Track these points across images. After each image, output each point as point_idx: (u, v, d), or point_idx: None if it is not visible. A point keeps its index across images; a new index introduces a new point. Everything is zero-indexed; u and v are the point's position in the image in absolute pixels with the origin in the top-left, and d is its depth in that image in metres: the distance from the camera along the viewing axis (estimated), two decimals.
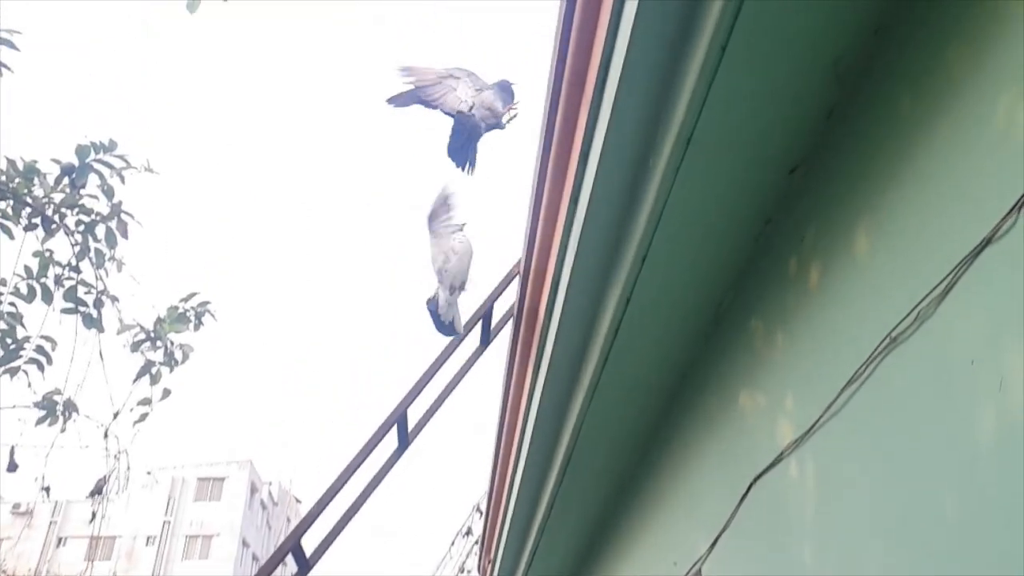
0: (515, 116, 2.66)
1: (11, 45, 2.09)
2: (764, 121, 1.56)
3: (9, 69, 2.09)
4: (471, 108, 2.53)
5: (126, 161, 2.41)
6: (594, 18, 1.58)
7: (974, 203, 1.10)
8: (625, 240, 1.87)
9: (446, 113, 2.57)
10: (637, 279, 1.90)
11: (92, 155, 2.39)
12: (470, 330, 2.99)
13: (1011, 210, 1.00)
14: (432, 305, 2.94)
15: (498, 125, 2.62)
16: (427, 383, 2.93)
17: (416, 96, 2.53)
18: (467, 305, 2.97)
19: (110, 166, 2.41)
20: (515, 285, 2.83)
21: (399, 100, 2.54)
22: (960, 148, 1.14)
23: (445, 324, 2.95)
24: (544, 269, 2.20)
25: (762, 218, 1.76)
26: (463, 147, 2.63)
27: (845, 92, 1.44)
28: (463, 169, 2.70)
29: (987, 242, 1.04)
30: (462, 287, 2.92)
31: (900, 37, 1.30)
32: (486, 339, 3.02)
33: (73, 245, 2.66)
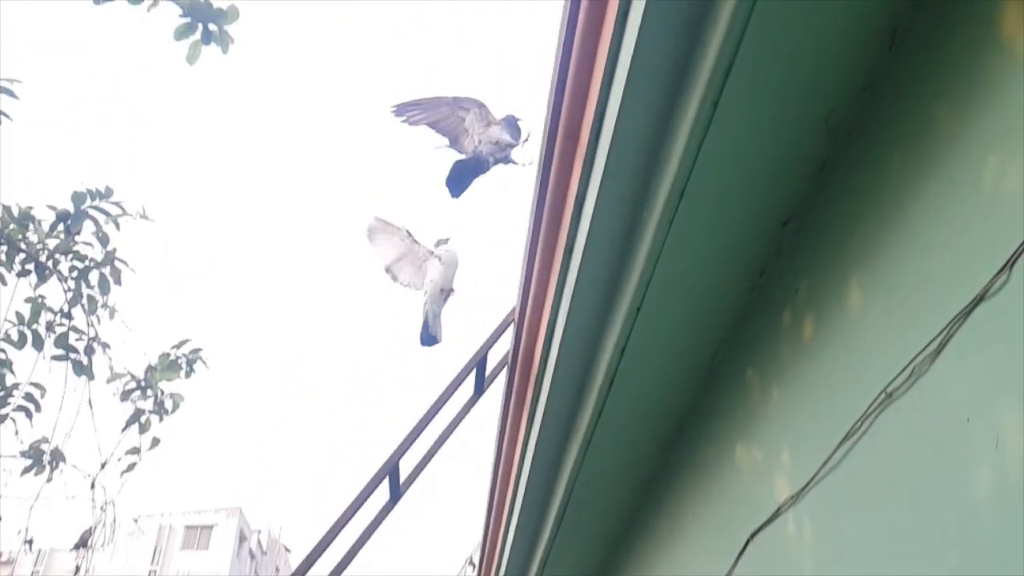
0: (532, 163, 2.67)
1: (11, 94, 2.11)
2: (756, 173, 1.57)
3: (8, 117, 2.11)
4: (478, 143, 2.54)
5: (122, 208, 2.42)
6: (589, 71, 1.60)
7: (966, 260, 1.10)
8: (620, 290, 1.87)
9: (451, 146, 2.56)
10: (632, 329, 1.90)
11: (88, 202, 2.40)
12: (464, 377, 2.97)
13: (1003, 268, 1.01)
14: (425, 327, 2.95)
15: (507, 159, 2.62)
16: (419, 433, 2.90)
17: (425, 120, 2.53)
18: (460, 354, 2.96)
19: (106, 213, 2.42)
20: (509, 333, 2.83)
21: (408, 116, 2.52)
22: (951, 205, 1.15)
23: (429, 336, 2.95)
24: (539, 318, 2.20)
25: (756, 269, 1.76)
26: (462, 180, 2.63)
27: (836, 146, 1.46)
28: (455, 197, 2.69)
29: (980, 299, 1.04)
30: (448, 295, 2.92)
31: (889, 94, 1.32)
32: (480, 388, 3.00)
33: (66, 291, 2.65)
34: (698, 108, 1.41)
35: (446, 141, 2.58)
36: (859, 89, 1.37)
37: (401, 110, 2.52)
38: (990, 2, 1.09)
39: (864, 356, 1.35)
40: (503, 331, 2.92)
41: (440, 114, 2.53)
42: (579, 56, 1.63)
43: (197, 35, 1.72)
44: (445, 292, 2.95)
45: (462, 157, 2.59)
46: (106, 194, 2.39)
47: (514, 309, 2.48)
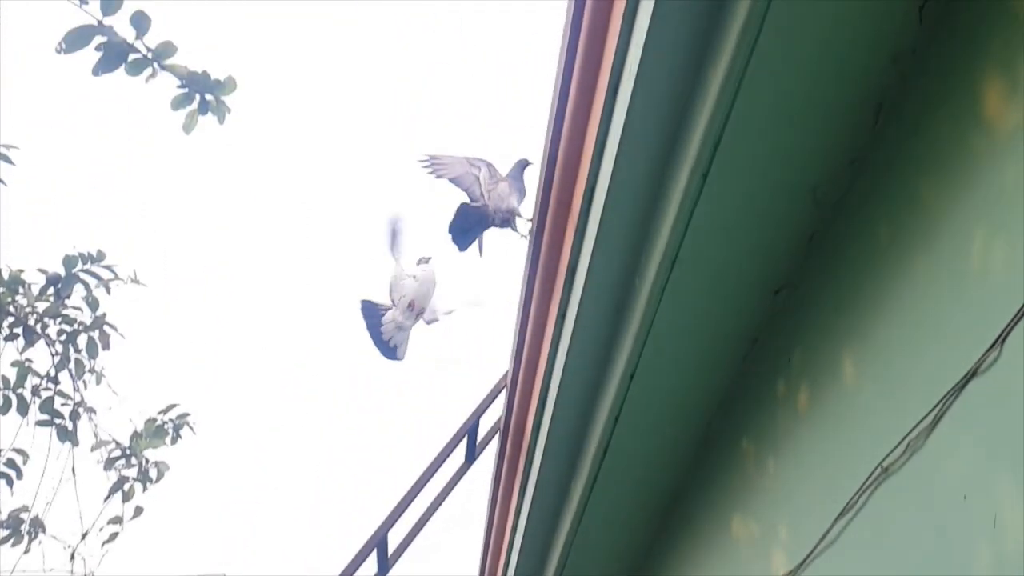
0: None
1: (7, 160, 2.13)
2: (747, 242, 1.58)
3: (3, 183, 2.13)
4: (487, 196, 2.56)
5: (113, 272, 2.41)
6: (579, 144, 1.63)
7: (956, 335, 1.10)
8: (613, 357, 1.86)
9: (472, 200, 2.58)
10: (626, 397, 1.89)
11: (79, 265, 2.39)
12: (455, 445, 2.93)
13: (993, 343, 1.01)
14: (372, 312, 2.87)
15: (510, 224, 2.62)
16: (409, 504, 2.84)
17: (448, 175, 2.58)
18: (451, 420, 2.93)
19: (97, 277, 2.41)
20: (502, 399, 2.80)
21: (435, 168, 2.55)
22: (939, 280, 1.15)
23: (387, 344, 2.87)
24: (531, 385, 2.18)
25: (749, 337, 1.76)
26: (468, 231, 2.63)
27: (824, 218, 1.48)
28: (461, 250, 2.67)
29: (972, 374, 1.04)
30: (419, 314, 2.87)
31: (875, 169, 1.34)
32: (471, 456, 2.95)
33: (53, 355, 2.63)
34: (687, 179, 1.43)
35: (467, 196, 2.62)
36: (845, 163, 1.40)
37: (429, 162, 2.59)
38: (973, 82, 1.11)
39: (859, 429, 1.33)
40: (495, 397, 2.89)
41: (459, 171, 2.59)
42: (571, 126, 1.66)
43: (194, 105, 1.75)
44: (415, 308, 2.90)
45: (468, 202, 2.60)
46: (98, 258, 2.39)
47: (506, 375, 2.46)
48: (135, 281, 2.48)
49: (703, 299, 1.68)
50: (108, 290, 2.46)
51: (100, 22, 1.65)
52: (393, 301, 2.95)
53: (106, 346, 2.56)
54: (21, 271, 2.43)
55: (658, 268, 1.58)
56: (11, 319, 2.40)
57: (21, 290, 2.38)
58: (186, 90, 1.74)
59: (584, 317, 1.78)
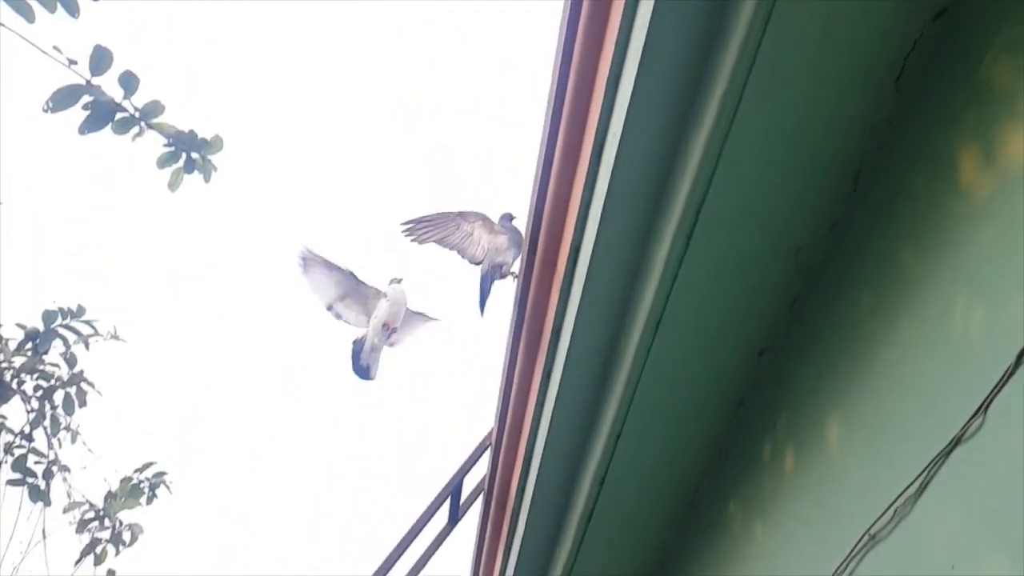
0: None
1: None
2: (730, 305, 1.59)
3: None
4: (486, 250, 2.54)
5: (93, 327, 2.38)
6: (564, 205, 1.64)
7: (940, 402, 1.10)
8: (599, 419, 1.84)
9: (461, 256, 2.55)
10: (612, 458, 1.86)
11: (59, 320, 2.36)
12: (439, 505, 2.86)
13: (977, 411, 1.00)
14: (358, 346, 2.95)
15: (500, 275, 2.62)
16: (391, 567, 2.76)
17: (433, 238, 2.52)
18: (434, 478, 2.87)
19: (76, 332, 2.38)
20: (486, 459, 2.75)
21: (417, 234, 2.50)
22: (922, 347, 1.15)
23: (362, 367, 2.94)
24: (516, 445, 2.15)
25: (734, 399, 1.75)
26: (486, 294, 2.63)
27: (807, 282, 1.48)
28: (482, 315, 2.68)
29: (957, 442, 1.03)
30: (392, 332, 2.92)
31: (856, 234, 1.36)
32: (455, 517, 2.89)
33: (28, 412, 2.57)
34: (671, 242, 1.44)
35: (455, 254, 2.60)
36: (826, 228, 1.41)
37: (412, 229, 2.54)
38: (949, 151, 1.14)
39: (846, 495, 1.31)
40: (479, 456, 2.85)
41: (447, 230, 2.55)
42: (556, 187, 1.68)
43: (180, 163, 1.75)
44: (388, 328, 2.94)
45: (480, 271, 2.59)
46: (78, 313, 2.36)
47: (491, 433, 2.42)
48: (115, 337, 2.44)
49: (688, 360, 1.68)
50: (87, 346, 2.42)
51: (88, 82, 1.66)
52: (370, 326, 2.98)
53: (83, 403, 2.50)
54: None
55: (643, 329, 1.58)
56: None
57: None
58: (172, 148, 1.74)
59: (569, 377, 1.76)
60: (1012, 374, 0.98)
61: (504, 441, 2.19)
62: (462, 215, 2.51)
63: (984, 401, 1.00)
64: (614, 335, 1.69)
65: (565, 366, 1.75)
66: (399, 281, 3.03)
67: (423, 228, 2.43)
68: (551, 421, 1.86)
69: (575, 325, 1.68)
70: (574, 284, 1.66)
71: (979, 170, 1.09)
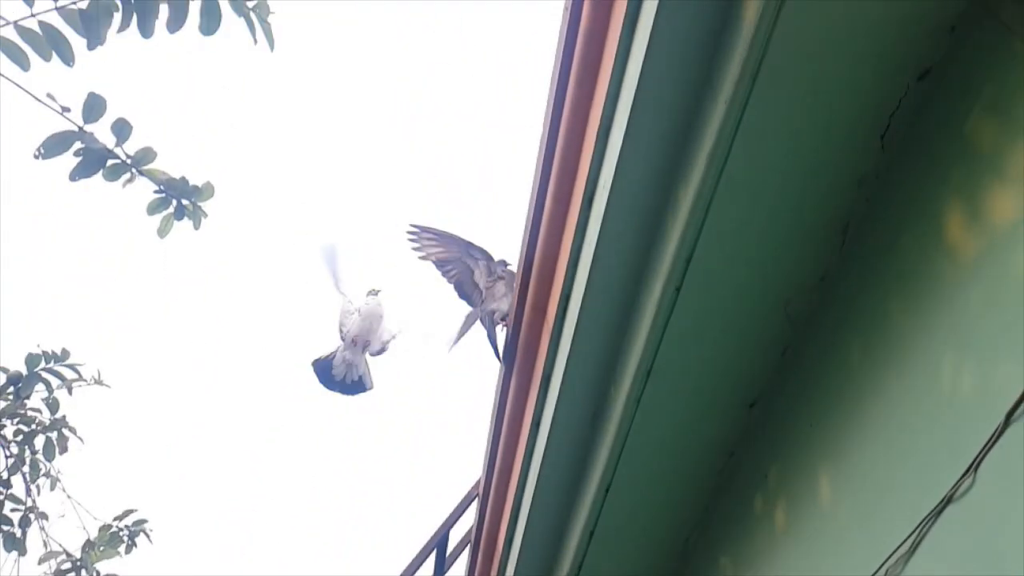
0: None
1: None
2: (721, 355, 1.58)
3: None
4: (482, 299, 2.44)
5: (77, 372, 2.35)
6: (555, 252, 1.64)
7: (930, 459, 1.09)
8: (588, 468, 1.82)
9: (459, 294, 2.44)
10: (601, 510, 1.83)
11: (42, 364, 2.33)
12: (424, 559, 2.80)
13: (967, 470, 0.99)
14: (319, 365, 2.89)
15: (493, 335, 2.52)
16: None
17: (435, 256, 2.42)
18: (421, 530, 2.82)
19: (60, 377, 2.34)
20: (473, 509, 2.71)
21: (423, 243, 2.38)
22: (911, 404, 1.15)
23: (344, 383, 2.88)
24: (504, 495, 2.12)
25: (725, 451, 1.73)
26: (461, 334, 2.55)
27: (797, 333, 1.48)
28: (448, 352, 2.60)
29: (947, 501, 1.02)
30: (365, 347, 2.89)
31: (845, 288, 1.36)
32: (440, 569, 2.83)
33: (7, 457, 2.52)
34: (661, 291, 1.44)
35: (451, 286, 2.51)
36: (815, 280, 1.42)
37: (417, 235, 2.42)
38: (935, 209, 1.15)
39: (838, 552, 1.29)
40: (466, 507, 2.80)
41: (451, 253, 2.44)
42: (546, 234, 1.68)
43: (170, 209, 1.75)
44: (359, 343, 2.91)
45: (476, 313, 2.52)
46: (62, 357, 2.33)
47: (479, 482, 2.39)
48: (99, 382, 2.41)
49: (679, 411, 1.67)
50: (70, 391, 2.38)
51: (81, 128, 1.67)
52: (341, 337, 2.95)
53: (64, 449, 2.46)
54: None
55: (633, 378, 1.57)
56: None
57: None
58: (163, 195, 1.74)
59: (559, 426, 1.74)
60: (1001, 434, 0.98)
61: (492, 491, 2.16)
62: (470, 247, 2.38)
63: (974, 460, 0.99)
64: (604, 384, 1.68)
65: (555, 414, 1.73)
66: (376, 293, 3.02)
67: (429, 240, 2.30)
68: (540, 471, 1.84)
69: (565, 373, 1.67)
70: (564, 331, 1.66)
71: (966, 229, 1.09)
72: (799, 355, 1.50)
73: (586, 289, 1.53)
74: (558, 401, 1.71)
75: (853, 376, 1.33)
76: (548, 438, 1.77)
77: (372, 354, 2.96)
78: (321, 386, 2.96)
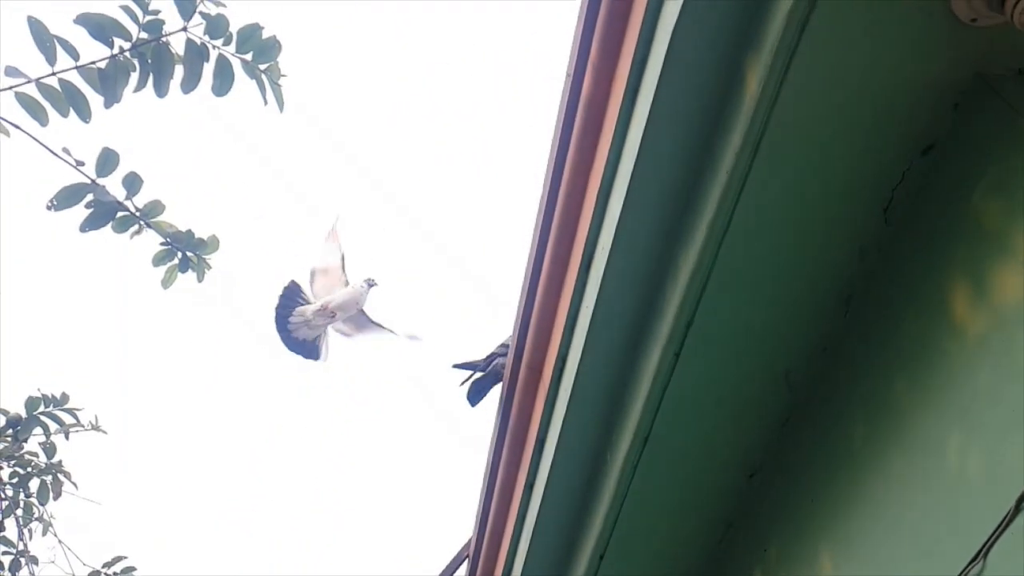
0: None
1: None
2: (720, 423, 1.55)
3: None
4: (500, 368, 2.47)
5: (75, 416, 2.34)
6: (551, 316, 1.63)
7: (937, 544, 1.05)
8: (582, 534, 1.77)
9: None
10: None
11: (41, 407, 2.32)
12: None
13: (976, 556, 0.96)
14: (291, 297, 2.90)
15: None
16: None
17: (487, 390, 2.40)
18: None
19: (59, 421, 2.33)
20: (463, 571, 2.64)
21: (472, 393, 2.36)
22: (916, 484, 1.11)
23: (290, 332, 2.87)
24: (495, 558, 2.06)
25: (724, 521, 1.68)
26: (481, 392, 2.54)
27: (798, 404, 1.45)
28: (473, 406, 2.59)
29: None
30: (331, 318, 2.90)
31: (847, 359, 1.34)
32: None
33: (2, 499, 2.49)
34: (660, 357, 1.42)
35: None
36: (817, 350, 1.39)
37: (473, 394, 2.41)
38: (940, 285, 1.13)
39: None
40: (456, 567, 2.73)
41: (494, 368, 2.44)
42: (543, 295, 1.67)
43: (175, 261, 1.76)
44: (327, 311, 2.92)
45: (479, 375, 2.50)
46: (61, 401, 2.33)
47: (469, 542, 2.33)
48: (96, 427, 2.39)
49: (676, 478, 1.63)
50: (67, 436, 2.37)
51: (94, 181, 1.69)
52: (315, 297, 2.97)
53: (58, 494, 2.43)
54: None
55: (630, 444, 1.54)
56: None
57: None
58: (169, 247, 1.76)
59: (553, 489, 1.71)
60: (1012, 519, 0.94)
61: (483, 552, 2.11)
62: (501, 354, 2.37)
63: (984, 546, 0.95)
64: (600, 449, 1.64)
65: (549, 478, 1.70)
66: (372, 284, 3.05)
67: (478, 385, 2.30)
68: (533, 534, 1.80)
69: (560, 436, 1.64)
70: (560, 393, 1.63)
71: (972, 307, 1.08)
72: (800, 426, 1.47)
73: (583, 351, 1.51)
74: (552, 464, 1.68)
75: (856, 451, 1.30)
76: (542, 502, 1.73)
77: (336, 330, 3.00)
78: (275, 327, 2.96)
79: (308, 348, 2.99)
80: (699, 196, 1.26)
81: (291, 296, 3.04)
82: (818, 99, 1.15)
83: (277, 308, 3.01)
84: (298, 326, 2.99)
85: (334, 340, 3.10)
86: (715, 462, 1.60)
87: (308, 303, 3.02)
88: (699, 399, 1.50)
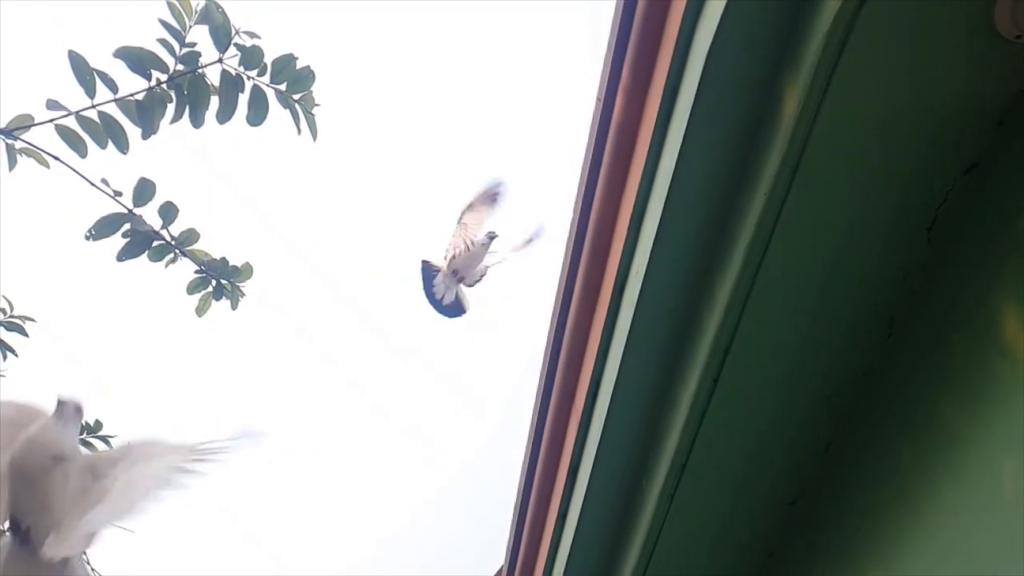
0: None
1: (21, 332, 2.15)
2: (759, 450, 1.51)
3: (15, 354, 2.13)
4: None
5: (108, 444, 2.35)
6: (583, 342, 1.61)
7: (994, 573, 1.01)
8: (617, 566, 1.74)
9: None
10: None
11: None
12: None
13: None
14: (427, 273, 3.24)
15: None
16: None
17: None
18: None
19: (92, 449, 2.35)
20: None
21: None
22: (968, 512, 1.07)
23: (439, 302, 3.21)
24: None
25: (764, 551, 1.64)
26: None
27: (841, 429, 1.42)
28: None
29: None
30: (461, 279, 3.24)
31: (892, 384, 1.30)
32: None
33: None
34: (698, 383, 1.40)
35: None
36: (860, 375, 1.36)
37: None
38: (989, 306, 1.10)
39: None
40: None
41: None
42: (575, 319, 1.65)
43: (209, 289, 1.78)
44: (457, 275, 3.26)
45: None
46: (95, 428, 2.35)
47: (500, 571, 2.30)
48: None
49: (714, 507, 1.59)
50: None
51: (131, 211, 1.72)
52: (446, 262, 3.30)
53: None
54: None
55: (667, 473, 1.51)
56: None
57: None
58: (203, 275, 1.78)
59: (587, 520, 1.68)
60: None
61: None
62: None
63: None
64: (636, 477, 1.61)
65: (583, 508, 1.67)
66: (493, 238, 3.36)
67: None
68: (566, 567, 1.76)
69: (594, 464, 1.61)
70: (593, 420, 1.61)
71: (1022, 327, 1.04)
72: (843, 452, 1.43)
73: (618, 376, 1.49)
74: (586, 493, 1.65)
75: (903, 477, 1.25)
76: (575, 533, 1.70)
77: (468, 286, 3.31)
78: (423, 292, 3.28)
79: (453, 308, 3.25)
80: (736, 219, 1.25)
81: (427, 273, 3.36)
82: (858, 119, 1.14)
83: (423, 272, 3.33)
84: (441, 292, 3.29)
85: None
86: (755, 489, 1.56)
87: (438, 271, 3.32)
88: (738, 426, 1.47)
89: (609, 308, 1.47)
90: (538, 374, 1.85)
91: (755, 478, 1.55)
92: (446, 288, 3.39)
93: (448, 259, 3.40)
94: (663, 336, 1.42)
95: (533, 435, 1.88)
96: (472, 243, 3.35)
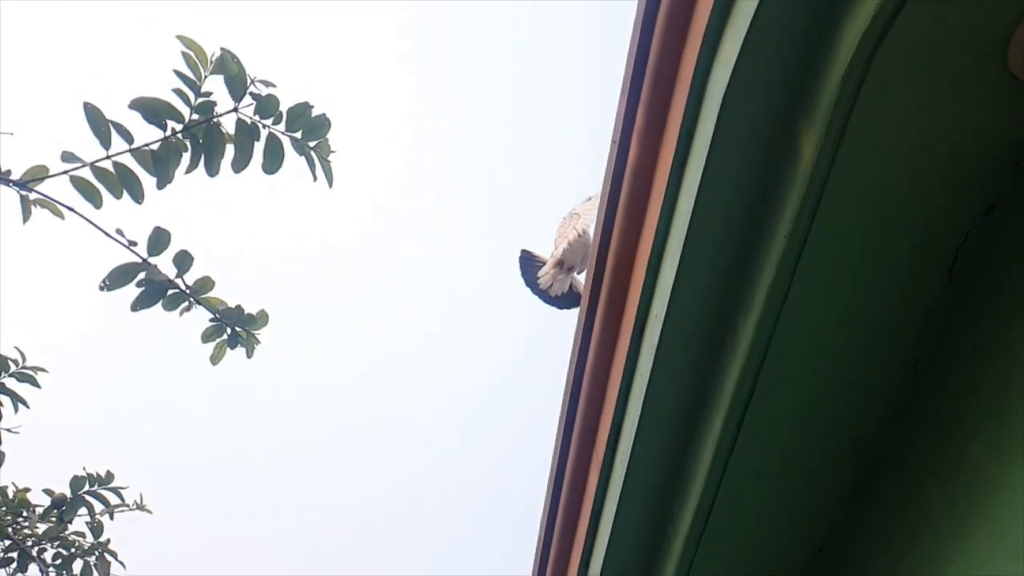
0: None
1: (33, 383, 2.15)
2: (785, 495, 1.49)
3: (26, 405, 2.12)
4: None
5: (120, 497, 2.33)
6: (603, 386, 1.60)
7: None
8: None
9: None
10: None
11: (86, 487, 2.32)
12: None
13: None
14: (528, 264, 3.12)
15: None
16: None
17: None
18: None
19: (104, 502, 2.32)
20: None
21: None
22: (1004, 560, 1.05)
23: (547, 294, 3.10)
24: None
25: None
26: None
27: (867, 474, 1.39)
28: None
29: None
30: (570, 269, 3.11)
31: (919, 426, 1.28)
32: None
33: None
34: (722, 427, 1.38)
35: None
36: (885, 418, 1.34)
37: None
38: (1014, 343, 1.08)
39: None
40: None
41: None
42: (595, 362, 1.64)
43: (224, 337, 1.78)
44: (564, 266, 3.13)
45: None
46: (106, 480, 2.32)
47: None
48: (141, 507, 2.38)
49: (740, 552, 1.56)
50: (112, 516, 2.35)
51: (145, 260, 1.72)
52: (555, 253, 3.18)
53: (105, 574, 2.40)
54: (27, 490, 2.36)
55: (692, 520, 1.48)
56: (8, 542, 2.29)
57: (24, 513, 2.29)
58: (218, 323, 1.77)
59: (610, 570, 1.64)
60: None
61: None
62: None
63: None
64: (660, 522, 1.58)
65: (606, 555, 1.63)
66: (590, 199, 3.21)
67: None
68: None
69: (618, 508, 1.58)
70: (615, 466, 1.59)
71: None
72: (870, 497, 1.40)
73: (640, 420, 1.47)
74: (609, 541, 1.62)
75: (933, 523, 1.23)
76: None
77: (579, 273, 3.21)
78: (532, 294, 3.16)
79: (568, 299, 3.14)
80: (756, 262, 1.24)
81: (527, 263, 3.21)
82: (875, 165, 1.14)
83: (521, 264, 3.24)
84: (547, 284, 3.17)
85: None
86: (780, 535, 1.52)
87: (542, 264, 3.23)
88: (763, 470, 1.44)
89: (630, 349, 1.46)
90: (557, 418, 1.84)
91: (781, 523, 1.52)
92: (553, 279, 3.25)
93: (560, 249, 3.33)
94: (685, 379, 1.41)
95: (554, 480, 1.85)
96: (583, 232, 3.22)
